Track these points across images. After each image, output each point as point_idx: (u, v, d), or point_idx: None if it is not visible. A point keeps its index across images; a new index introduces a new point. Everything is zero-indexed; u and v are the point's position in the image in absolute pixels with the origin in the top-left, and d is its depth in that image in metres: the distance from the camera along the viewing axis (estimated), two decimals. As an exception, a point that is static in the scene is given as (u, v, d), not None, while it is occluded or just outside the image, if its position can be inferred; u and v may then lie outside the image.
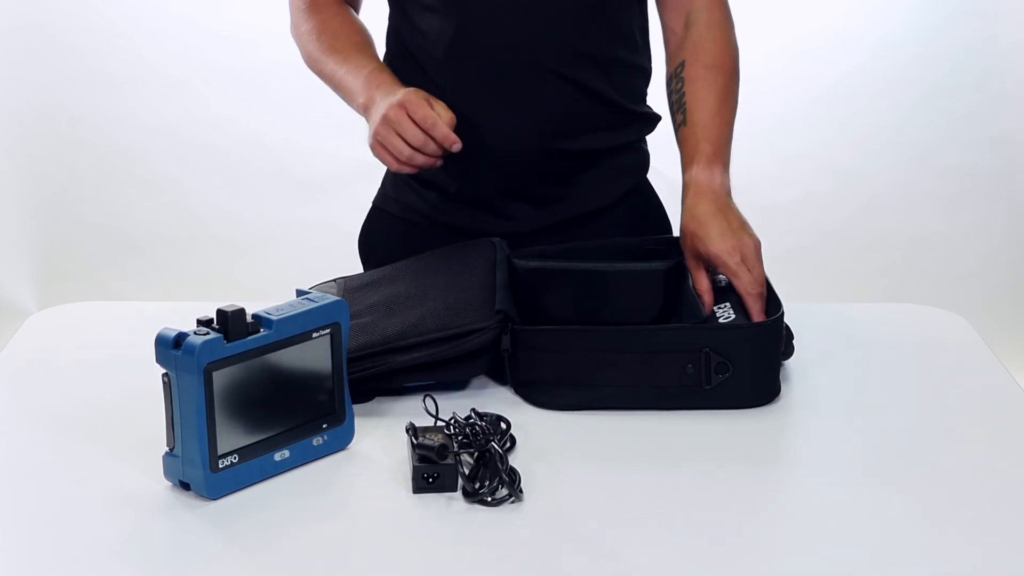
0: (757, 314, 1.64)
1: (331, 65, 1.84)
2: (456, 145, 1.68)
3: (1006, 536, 1.33)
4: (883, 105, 3.75)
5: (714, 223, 1.68)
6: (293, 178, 3.80)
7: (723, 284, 1.71)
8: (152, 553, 1.31)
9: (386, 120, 1.69)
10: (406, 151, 1.69)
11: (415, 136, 1.67)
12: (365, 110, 1.76)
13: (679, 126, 1.80)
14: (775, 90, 3.67)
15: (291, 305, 1.43)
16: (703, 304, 1.66)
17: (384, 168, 2.01)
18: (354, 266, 1.98)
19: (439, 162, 1.71)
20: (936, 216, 3.79)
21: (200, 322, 1.36)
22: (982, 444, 1.52)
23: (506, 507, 1.37)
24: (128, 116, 3.77)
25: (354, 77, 1.79)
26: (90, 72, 3.74)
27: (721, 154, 1.76)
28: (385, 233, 1.98)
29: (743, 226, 1.69)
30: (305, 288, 1.53)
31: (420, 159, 1.69)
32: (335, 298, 1.45)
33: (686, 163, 1.76)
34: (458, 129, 1.69)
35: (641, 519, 1.35)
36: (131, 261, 3.84)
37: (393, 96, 1.71)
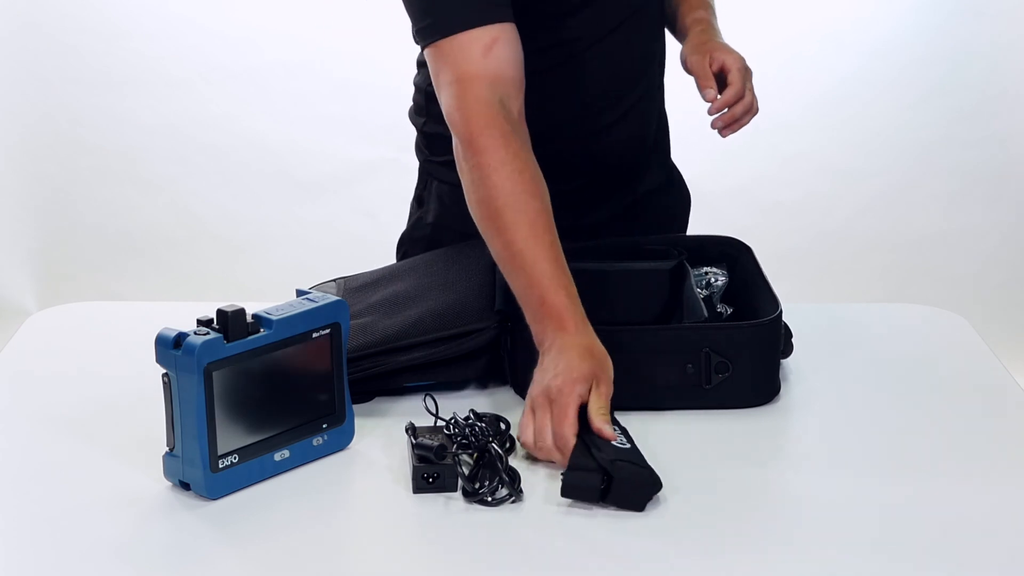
0: (716, 109, 1.71)
1: (504, 242, 1.57)
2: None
3: (1006, 535, 1.33)
4: (883, 105, 3.75)
5: (721, 43, 1.79)
6: (293, 178, 3.80)
7: (718, 287, 1.72)
8: (152, 553, 1.31)
9: (535, 405, 1.49)
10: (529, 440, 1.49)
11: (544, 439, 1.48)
12: (539, 345, 1.54)
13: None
14: (775, 90, 3.65)
15: (291, 305, 1.43)
16: (703, 89, 1.73)
17: (428, 188, 1.95)
18: (354, 266, 1.98)
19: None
20: (936, 216, 3.78)
21: (200, 322, 1.36)
22: (982, 444, 1.52)
23: (506, 507, 1.37)
24: (128, 116, 3.76)
25: (529, 288, 1.55)
26: (90, 72, 3.74)
27: (715, 24, 1.86)
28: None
29: None
30: (305, 288, 1.53)
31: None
32: (335, 298, 1.45)
33: (688, 9, 1.85)
34: (547, 146, 1.64)
35: (640, 519, 1.35)
36: (131, 261, 3.84)
37: (560, 363, 1.49)
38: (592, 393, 1.46)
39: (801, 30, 3.68)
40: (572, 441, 1.43)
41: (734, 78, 1.73)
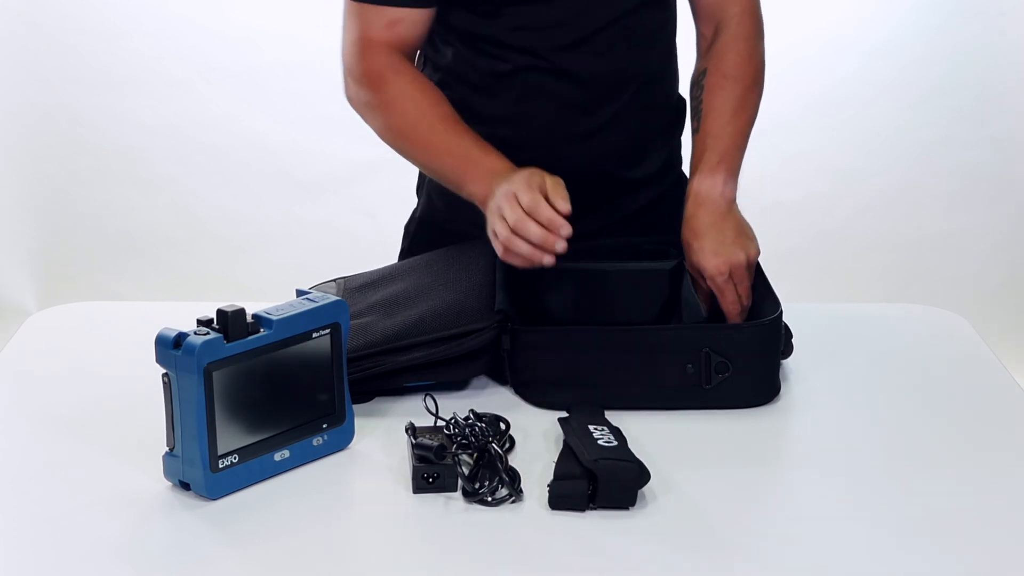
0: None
1: (424, 143, 1.75)
2: (563, 232, 1.56)
3: (1006, 535, 1.33)
4: (883, 105, 3.75)
5: (709, 236, 1.68)
6: (293, 178, 3.80)
7: None
8: (152, 553, 1.31)
9: (502, 218, 1.59)
10: (526, 249, 1.58)
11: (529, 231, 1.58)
12: (483, 204, 1.65)
13: (693, 133, 1.80)
14: (776, 91, 3.62)
15: (291, 305, 1.43)
16: (703, 309, 1.68)
17: (423, 180, 1.97)
18: (354, 266, 1.98)
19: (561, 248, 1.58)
20: (936, 216, 3.78)
21: (200, 322, 1.36)
22: (982, 444, 1.52)
23: (506, 507, 1.37)
24: (128, 116, 3.76)
25: (459, 163, 1.70)
26: (90, 72, 3.74)
27: (727, 160, 1.76)
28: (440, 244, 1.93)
29: (737, 239, 1.68)
30: (305, 288, 1.53)
31: (547, 259, 1.58)
32: (335, 298, 1.45)
33: (691, 172, 1.76)
34: (530, 152, 1.70)
35: (640, 519, 1.35)
36: (131, 261, 3.84)
37: (513, 178, 1.61)
38: (548, 180, 1.58)
39: (801, 30, 3.68)
40: (544, 202, 1.56)
41: (724, 303, 1.66)
